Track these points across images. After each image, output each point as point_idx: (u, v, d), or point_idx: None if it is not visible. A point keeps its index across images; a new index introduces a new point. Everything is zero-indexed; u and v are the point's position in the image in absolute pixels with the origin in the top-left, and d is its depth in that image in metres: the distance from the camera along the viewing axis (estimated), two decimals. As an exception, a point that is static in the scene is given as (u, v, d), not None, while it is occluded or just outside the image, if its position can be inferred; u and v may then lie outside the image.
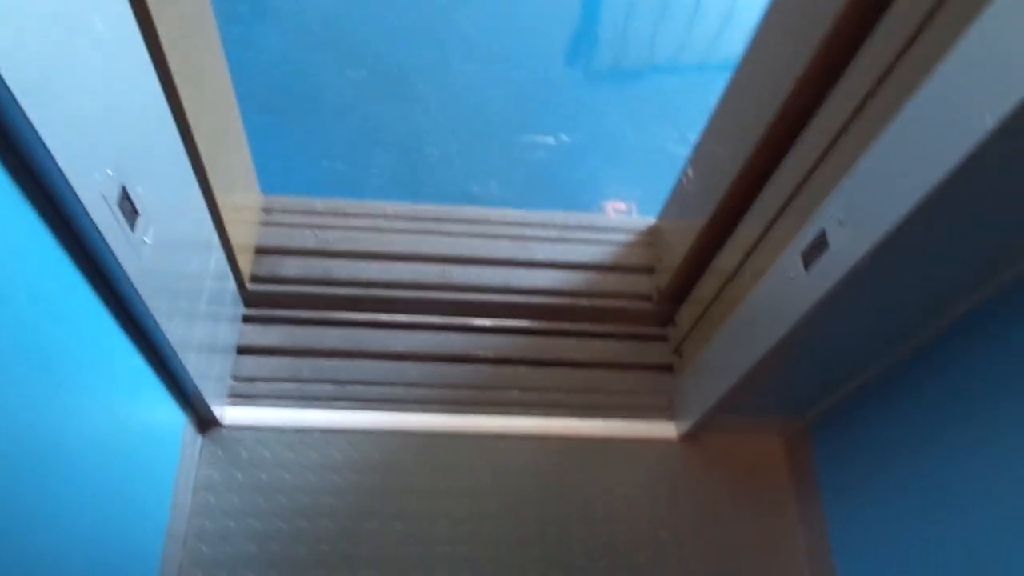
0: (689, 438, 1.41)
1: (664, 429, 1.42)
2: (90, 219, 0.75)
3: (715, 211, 1.24)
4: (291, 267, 1.46)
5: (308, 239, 1.49)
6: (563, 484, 1.35)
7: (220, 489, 1.26)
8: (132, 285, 0.87)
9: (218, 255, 1.23)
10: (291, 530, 1.25)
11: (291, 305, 1.44)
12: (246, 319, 1.43)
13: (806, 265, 0.97)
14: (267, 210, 1.52)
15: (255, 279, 1.44)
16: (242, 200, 1.35)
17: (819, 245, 0.94)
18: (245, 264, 1.39)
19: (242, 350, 1.39)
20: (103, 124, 0.76)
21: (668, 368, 1.48)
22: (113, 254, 0.81)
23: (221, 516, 1.24)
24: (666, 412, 1.44)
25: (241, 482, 1.27)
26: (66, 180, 0.69)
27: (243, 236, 1.36)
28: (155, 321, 0.96)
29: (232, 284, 1.34)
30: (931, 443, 1.08)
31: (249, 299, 1.43)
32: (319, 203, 1.53)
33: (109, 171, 0.78)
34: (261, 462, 1.29)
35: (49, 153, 0.65)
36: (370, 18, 1.88)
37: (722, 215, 1.24)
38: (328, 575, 1.22)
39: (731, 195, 1.20)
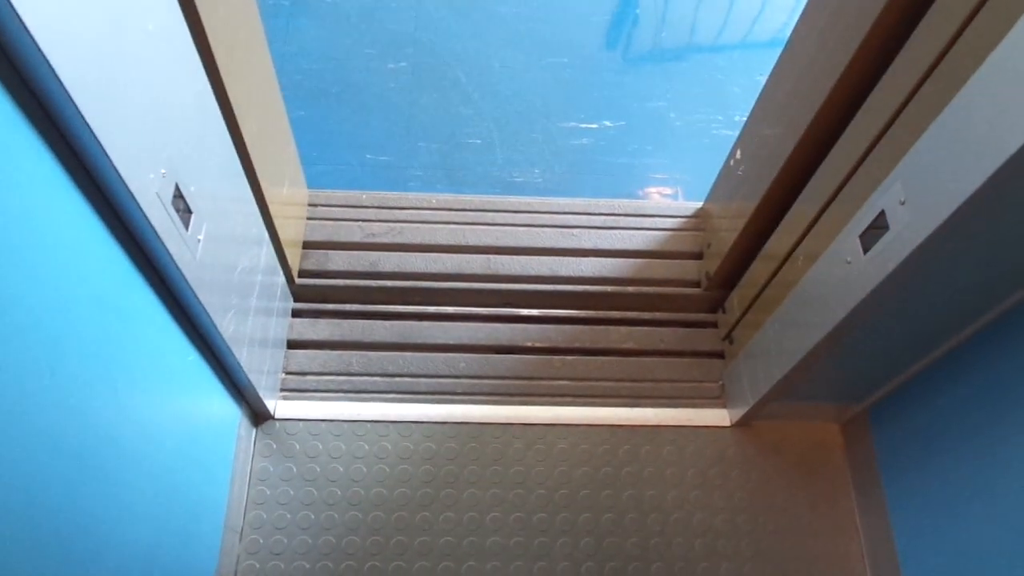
0: (742, 425, 1.39)
1: (716, 416, 1.40)
2: (146, 218, 0.76)
3: (766, 194, 1.21)
4: (338, 261, 1.47)
5: (354, 232, 1.50)
6: (615, 473, 1.34)
7: (275, 481, 1.28)
8: (187, 282, 0.88)
9: (267, 250, 1.24)
10: (345, 521, 1.26)
11: (339, 299, 1.45)
12: (295, 313, 1.44)
13: (865, 248, 0.94)
14: (313, 204, 1.53)
15: (303, 273, 1.45)
16: (289, 195, 1.36)
17: (878, 227, 0.91)
18: (293, 259, 1.40)
19: (292, 344, 1.41)
20: (156, 124, 0.77)
21: (719, 355, 1.46)
22: (168, 252, 0.82)
23: (276, 507, 1.26)
24: (718, 399, 1.42)
25: (295, 474, 1.29)
26: (122, 180, 0.70)
27: (291, 231, 1.37)
28: (209, 317, 0.97)
29: (281, 279, 1.35)
30: (993, 426, 1.05)
31: (298, 293, 1.44)
32: (364, 196, 1.53)
33: (163, 170, 0.79)
34: (314, 454, 1.31)
35: (105, 154, 0.66)
36: (408, 7, 1.88)
37: (773, 198, 1.21)
38: (382, 565, 1.24)
39: (782, 177, 1.17)
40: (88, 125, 0.63)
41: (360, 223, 1.51)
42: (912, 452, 1.21)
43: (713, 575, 1.27)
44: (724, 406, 1.41)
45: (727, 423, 1.40)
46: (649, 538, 1.29)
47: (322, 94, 1.73)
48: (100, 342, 0.76)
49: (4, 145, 0.57)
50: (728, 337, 1.43)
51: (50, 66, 0.57)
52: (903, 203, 0.86)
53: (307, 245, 1.48)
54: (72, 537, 0.74)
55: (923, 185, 0.83)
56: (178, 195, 0.83)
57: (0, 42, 0.55)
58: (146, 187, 0.75)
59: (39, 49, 0.55)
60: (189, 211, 0.87)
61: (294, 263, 1.41)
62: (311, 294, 1.45)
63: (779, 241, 1.23)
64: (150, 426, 0.92)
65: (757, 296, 1.29)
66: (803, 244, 1.14)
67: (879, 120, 0.93)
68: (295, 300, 1.44)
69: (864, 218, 0.94)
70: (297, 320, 1.43)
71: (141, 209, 0.74)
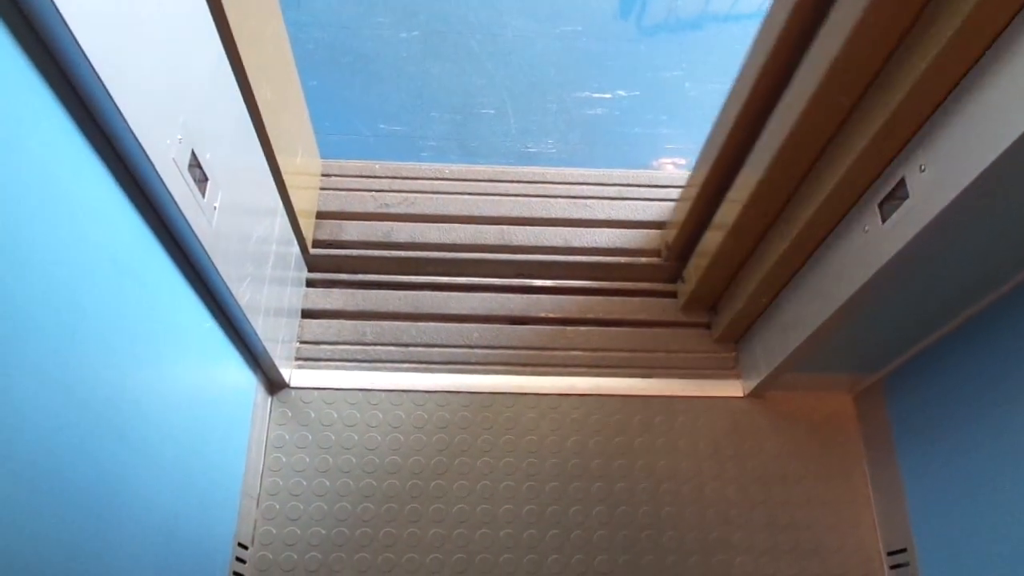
0: (755, 396, 1.39)
1: (729, 387, 1.40)
2: (163, 184, 0.76)
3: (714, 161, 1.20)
4: (352, 231, 1.47)
5: (368, 203, 1.50)
6: (628, 443, 1.34)
7: (290, 448, 1.29)
8: (204, 249, 0.89)
9: (282, 220, 1.24)
10: (360, 488, 1.27)
11: (353, 269, 1.46)
12: (309, 283, 1.45)
13: (883, 216, 0.93)
14: (326, 174, 1.53)
15: (317, 243, 1.45)
16: (302, 164, 1.36)
17: (898, 195, 0.90)
18: (307, 229, 1.40)
19: (306, 314, 1.42)
20: (171, 89, 0.77)
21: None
22: (186, 219, 0.82)
23: (292, 474, 1.28)
24: (732, 370, 1.42)
25: (310, 441, 1.30)
26: (140, 145, 0.70)
27: (304, 201, 1.37)
28: (226, 285, 0.98)
29: (296, 249, 1.35)
30: (1011, 397, 1.04)
31: (312, 263, 1.44)
32: (377, 166, 1.53)
33: (179, 136, 0.79)
34: (329, 422, 1.32)
35: (123, 118, 0.66)
36: (421, -24, 1.86)
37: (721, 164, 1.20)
38: (396, 532, 1.25)
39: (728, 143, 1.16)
40: (106, 88, 0.62)
41: (374, 193, 1.51)
42: (927, 423, 1.21)
43: (725, 545, 1.28)
44: (738, 377, 1.41)
45: (740, 394, 1.40)
46: (661, 507, 1.30)
47: (334, 63, 1.72)
48: (120, 307, 0.77)
49: (23, 109, 0.57)
50: (714, 307, 1.43)
51: (69, 30, 0.56)
52: (923, 170, 0.85)
53: (321, 215, 1.48)
54: (92, 501, 0.75)
55: (944, 152, 0.82)
56: (194, 162, 0.83)
57: (20, 7, 0.55)
58: (163, 152, 0.75)
59: (58, 11, 0.55)
60: (205, 178, 0.87)
61: (308, 233, 1.41)
62: (325, 264, 1.45)
63: (793, 210, 1.21)
64: (169, 392, 0.93)
65: (771, 267, 1.28)
66: (817, 212, 1.12)
67: (899, 85, 0.92)
68: (309, 270, 1.45)
69: (884, 185, 0.93)
70: (311, 290, 1.44)
71: (158, 174, 0.75)
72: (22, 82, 0.57)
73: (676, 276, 1.48)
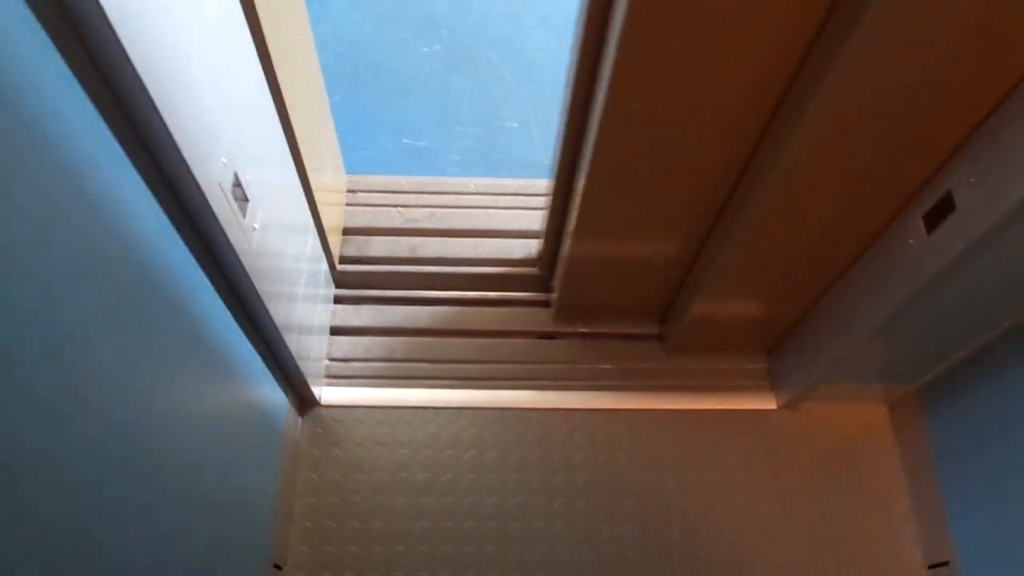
0: (789, 407, 1.37)
1: (763, 399, 1.39)
2: (209, 207, 0.76)
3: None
4: (378, 247, 1.46)
5: (394, 218, 1.49)
6: (659, 457, 1.33)
7: (322, 467, 1.28)
8: (244, 270, 0.88)
9: (313, 237, 1.24)
10: (393, 506, 1.26)
11: (380, 285, 1.45)
12: (337, 299, 1.44)
13: (929, 228, 0.92)
14: (352, 190, 1.52)
15: (344, 260, 1.45)
16: (330, 181, 1.35)
17: (944, 207, 0.89)
18: (335, 245, 1.40)
19: (335, 331, 1.41)
20: (218, 113, 0.76)
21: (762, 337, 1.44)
22: (229, 241, 0.82)
23: (324, 493, 1.27)
24: (764, 382, 1.41)
25: (342, 459, 1.29)
26: (189, 170, 0.69)
27: (332, 217, 1.36)
28: (263, 304, 0.97)
29: (325, 265, 1.35)
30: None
31: (339, 280, 1.44)
32: (403, 181, 1.53)
33: (224, 159, 0.78)
34: (360, 440, 1.31)
35: (175, 144, 0.66)
36: (442, -10, 1.86)
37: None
38: (431, 551, 1.24)
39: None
40: (160, 115, 0.62)
41: (400, 208, 1.50)
42: (969, 435, 1.19)
43: (761, 561, 1.27)
44: (771, 389, 1.40)
45: (773, 406, 1.38)
46: (695, 522, 1.28)
47: (357, 79, 1.72)
48: (158, 329, 0.76)
49: (80, 137, 0.57)
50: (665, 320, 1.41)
51: (129, 60, 0.56)
52: (972, 183, 0.84)
53: (347, 231, 1.48)
54: (127, 525, 0.74)
55: (994, 165, 0.81)
56: (237, 183, 0.83)
57: (80, 33, 0.54)
58: (210, 176, 0.74)
59: (119, 41, 0.54)
60: (246, 199, 0.86)
61: (335, 249, 1.41)
62: (352, 280, 1.45)
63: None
64: (205, 414, 0.92)
65: (802, 277, 1.27)
66: (858, 223, 1.11)
67: (945, 101, 0.91)
68: (336, 287, 1.44)
69: (929, 197, 0.92)
70: (339, 307, 1.43)
71: (205, 197, 0.74)
72: (82, 112, 0.56)
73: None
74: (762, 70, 0.87)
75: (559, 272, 1.33)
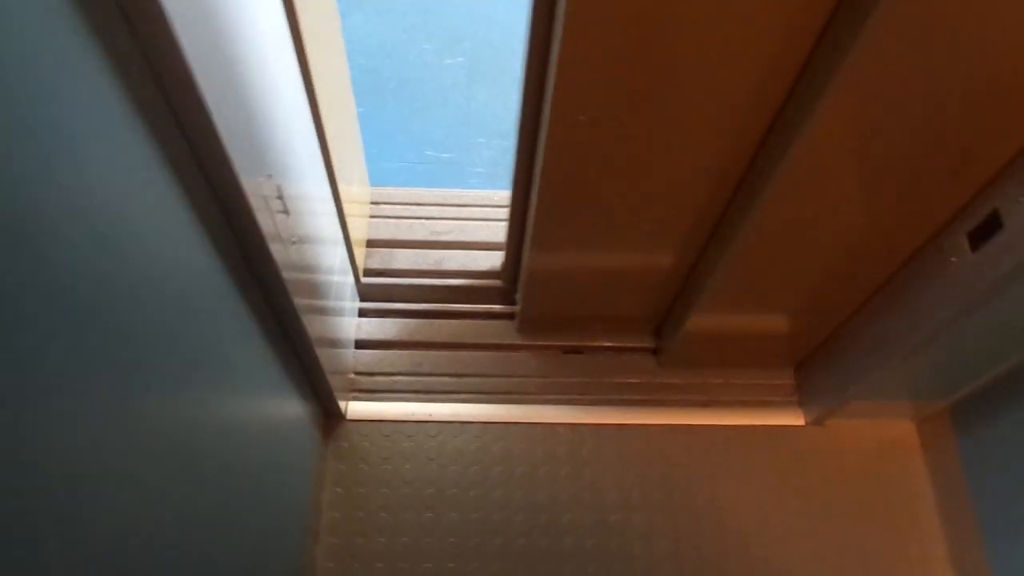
0: (817, 423, 1.36)
1: (791, 415, 1.38)
2: (255, 221, 0.75)
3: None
4: (402, 259, 1.45)
5: (417, 230, 1.48)
6: (690, 473, 1.32)
7: (349, 482, 1.27)
8: (283, 284, 0.87)
9: (341, 249, 1.23)
10: (421, 522, 1.25)
11: (404, 298, 1.44)
12: (361, 312, 1.43)
13: (973, 247, 0.91)
14: (375, 202, 1.51)
15: (368, 272, 1.44)
16: (357, 193, 1.35)
17: (991, 225, 0.88)
18: (359, 257, 1.39)
19: (360, 344, 1.40)
20: (265, 127, 0.76)
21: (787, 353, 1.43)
22: (271, 255, 0.81)
23: (351, 508, 1.25)
24: (792, 398, 1.39)
25: (368, 474, 1.28)
26: (240, 185, 0.68)
27: (357, 229, 1.36)
28: (299, 318, 0.96)
29: (351, 278, 1.34)
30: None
31: (363, 292, 1.43)
32: (427, 193, 1.52)
33: (270, 174, 0.77)
34: (387, 455, 1.30)
35: (229, 160, 0.65)
36: (465, 1, 1.85)
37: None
38: (459, 568, 1.22)
39: None
40: (217, 132, 0.61)
41: (423, 221, 1.49)
42: (1003, 452, 1.18)
43: (792, 578, 1.25)
44: (800, 405, 1.38)
45: (802, 422, 1.37)
46: (726, 539, 1.27)
47: (380, 90, 1.71)
48: (199, 343, 0.75)
49: (132, 158, 0.56)
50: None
51: (194, 81, 0.55)
52: (1021, 202, 0.83)
53: (371, 244, 1.47)
54: (152, 543, 0.73)
55: (1045, 182, 0.80)
56: (279, 197, 0.82)
57: (146, 50, 0.54)
58: (258, 191, 0.73)
59: (183, 54, 0.53)
60: (287, 212, 0.86)
61: (360, 262, 1.40)
62: (377, 293, 1.44)
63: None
64: (232, 429, 0.91)
65: (832, 294, 1.26)
66: (893, 239, 1.10)
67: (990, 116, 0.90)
68: (361, 299, 1.43)
69: (975, 215, 0.91)
70: (363, 320, 1.42)
71: (252, 213, 0.73)
72: (135, 135, 0.56)
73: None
74: (758, 68, 0.82)
75: (520, 283, 1.31)
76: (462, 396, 1.36)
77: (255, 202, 0.73)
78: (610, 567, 1.24)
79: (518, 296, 1.37)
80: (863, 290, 1.18)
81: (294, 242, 0.90)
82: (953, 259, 0.95)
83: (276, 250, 0.82)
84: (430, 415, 1.33)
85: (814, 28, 0.77)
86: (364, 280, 1.42)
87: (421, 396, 1.35)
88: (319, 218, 1.06)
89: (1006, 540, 1.17)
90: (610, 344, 1.42)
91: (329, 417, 1.30)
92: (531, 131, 1.01)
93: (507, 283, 1.41)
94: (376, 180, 1.52)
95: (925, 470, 1.35)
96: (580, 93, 0.85)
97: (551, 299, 1.31)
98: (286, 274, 0.87)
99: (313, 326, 1.03)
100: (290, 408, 1.14)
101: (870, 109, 0.80)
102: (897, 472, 1.35)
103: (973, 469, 1.24)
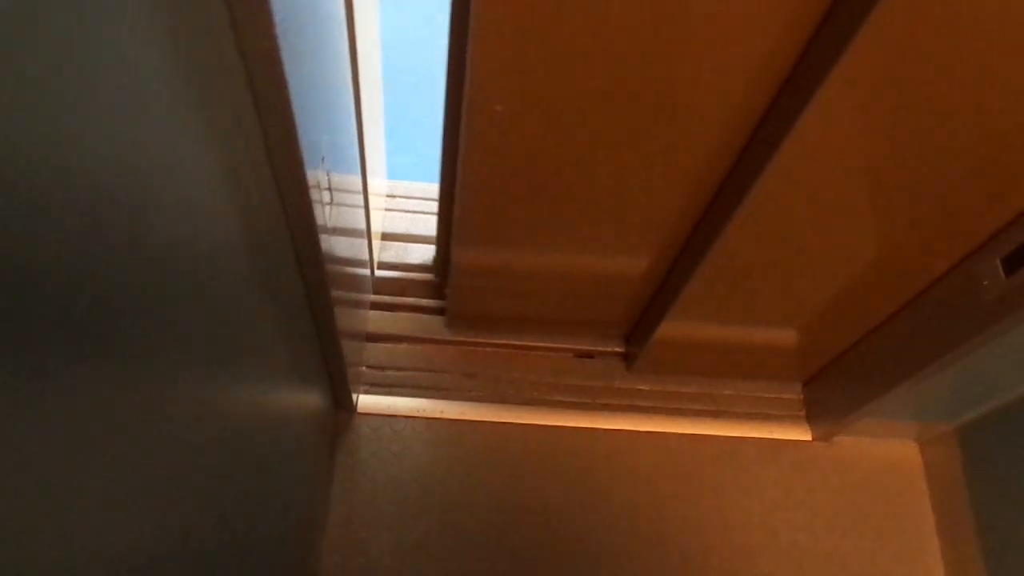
0: (824, 439, 1.37)
1: (798, 430, 1.39)
2: (310, 209, 0.73)
3: None
4: (416, 254, 1.44)
5: (432, 226, 1.47)
6: (697, 485, 1.32)
7: (357, 477, 1.25)
8: (325, 275, 0.86)
9: (363, 242, 1.21)
10: (429, 519, 1.23)
11: (417, 293, 1.42)
12: (373, 305, 1.41)
13: (1007, 271, 0.92)
14: (391, 195, 1.50)
15: (381, 265, 1.42)
16: (378, 185, 1.33)
17: (1026, 251, 0.89)
18: (375, 250, 1.37)
19: (371, 337, 1.38)
20: (322, 111, 0.74)
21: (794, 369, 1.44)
22: (318, 242, 0.79)
23: (359, 504, 1.24)
24: (800, 412, 1.40)
25: (378, 470, 1.26)
26: (303, 172, 0.67)
27: (375, 222, 1.34)
28: (332, 309, 0.95)
29: (368, 271, 1.32)
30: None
31: (376, 286, 1.41)
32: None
33: (323, 157, 0.76)
34: (397, 450, 1.28)
35: (298, 144, 0.63)
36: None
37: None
38: (465, 567, 1.21)
39: None
40: (292, 120, 0.59)
41: (437, 215, 1.48)
42: (1008, 478, 1.20)
43: (795, 590, 1.26)
44: (807, 420, 1.40)
45: (808, 437, 1.38)
46: (731, 551, 1.28)
47: (398, 83, 1.69)
48: (232, 333, 0.73)
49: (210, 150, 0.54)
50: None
51: (280, 58, 0.54)
52: (1061, 229, 0.84)
53: (385, 237, 1.45)
54: (157, 522, 0.70)
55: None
56: (328, 186, 0.81)
57: (244, 51, 0.52)
58: (315, 178, 0.72)
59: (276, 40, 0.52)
60: (332, 202, 0.84)
61: (375, 255, 1.38)
62: (389, 287, 1.42)
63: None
64: (251, 417, 0.88)
65: (846, 313, 1.27)
66: (921, 260, 1.11)
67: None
68: (373, 292, 1.42)
69: (1009, 239, 0.92)
70: (375, 312, 1.40)
71: (309, 199, 0.72)
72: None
73: None
74: (747, 59, 0.77)
75: (449, 280, 1.27)
76: (473, 395, 1.35)
77: (313, 189, 0.72)
78: (619, 573, 1.24)
79: (447, 292, 1.32)
80: (880, 309, 1.19)
81: (335, 233, 0.88)
82: (985, 283, 0.96)
83: (323, 238, 0.81)
84: (441, 412, 1.32)
85: (813, 16, 0.72)
86: (378, 273, 1.40)
87: (432, 392, 1.34)
88: (353, 210, 1.04)
89: (1007, 563, 1.19)
90: (616, 349, 1.42)
91: (341, 410, 1.28)
92: (454, 120, 0.96)
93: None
94: (392, 174, 1.51)
95: (927, 492, 1.36)
96: (495, 82, 0.81)
97: (482, 297, 1.28)
98: (329, 266, 0.85)
99: (342, 319, 1.01)
100: (307, 400, 1.12)
101: (867, 116, 0.78)
102: (900, 493, 1.36)
103: (977, 493, 1.26)
